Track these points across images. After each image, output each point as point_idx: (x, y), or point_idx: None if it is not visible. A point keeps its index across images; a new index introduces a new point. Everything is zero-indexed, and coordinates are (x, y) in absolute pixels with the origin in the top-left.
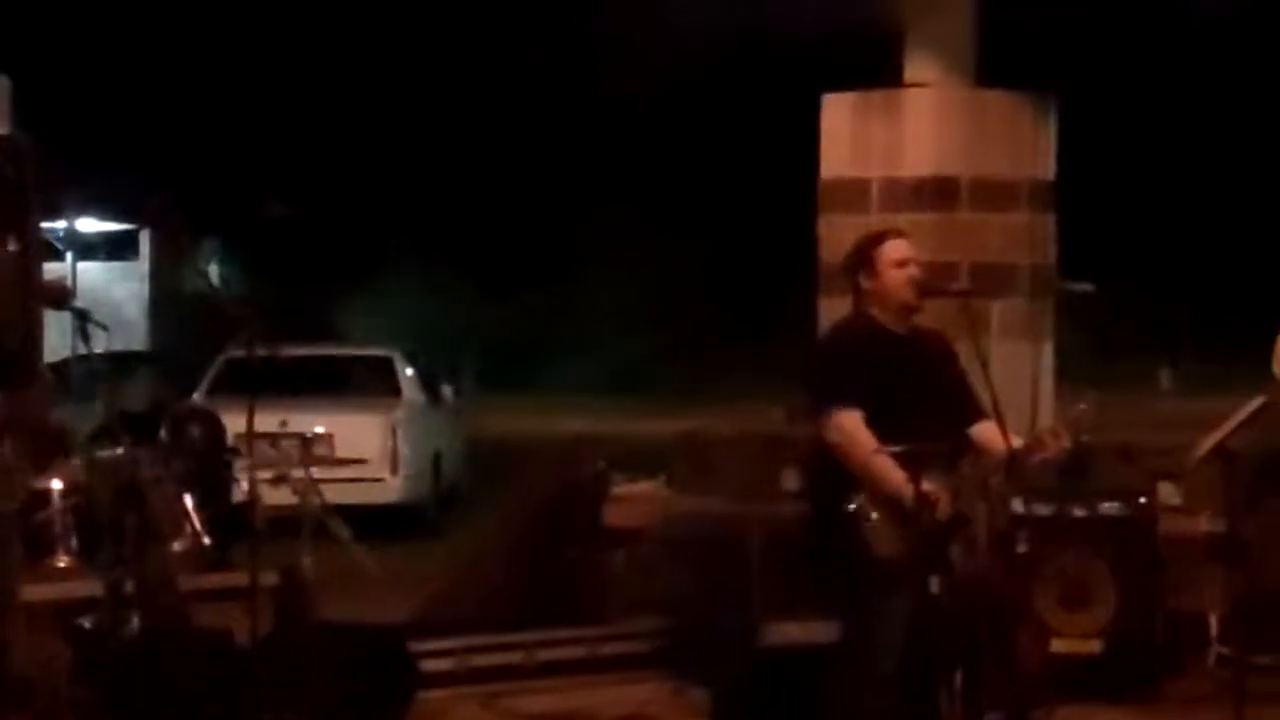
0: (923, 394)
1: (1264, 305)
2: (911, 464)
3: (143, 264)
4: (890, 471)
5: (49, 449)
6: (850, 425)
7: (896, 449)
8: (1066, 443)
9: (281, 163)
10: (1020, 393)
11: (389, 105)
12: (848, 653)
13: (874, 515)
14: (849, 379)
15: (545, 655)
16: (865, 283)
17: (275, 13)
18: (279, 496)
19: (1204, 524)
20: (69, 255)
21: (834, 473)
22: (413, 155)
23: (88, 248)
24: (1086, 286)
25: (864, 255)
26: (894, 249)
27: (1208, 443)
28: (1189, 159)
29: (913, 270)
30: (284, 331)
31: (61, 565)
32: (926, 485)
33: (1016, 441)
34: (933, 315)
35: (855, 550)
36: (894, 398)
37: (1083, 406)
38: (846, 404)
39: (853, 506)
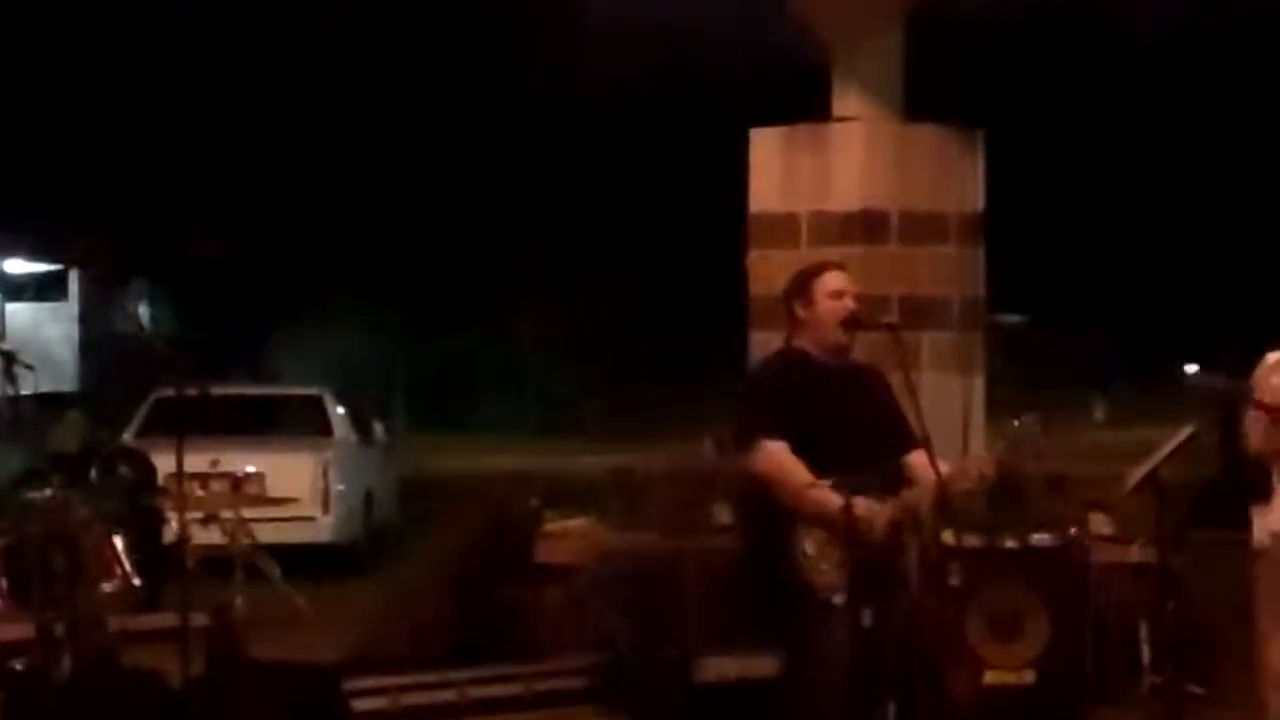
0: (855, 425)
1: (1193, 336)
2: (847, 494)
3: (72, 304)
4: (823, 499)
5: None
6: (778, 455)
7: (829, 481)
8: (990, 472)
9: (210, 202)
10: (951, 425)
11: (317, 145)
12: (784, 686)
13: (810, 549)
14: (774, 410)
15: (478, 693)
16: (801, 312)
17: (201, 54)
18: (210, 536)
19: (1135, 554)
20: None
21: (767, 505)
22: (341, 194)
23: (16, 289)
24: (1017, 319)
25: (801, 285)
26: (832, 280)
27: (1138, 473)
28: (1119, 191)
29: (848, 302)
30: (214, 371)
31: None
32: (862, 507)
33: (944, 469)
34: (863, 348)
35: (792, 583)
36: (825, 429)
37: (1022, 422)
38: (771, 435)
39: (785, 543)
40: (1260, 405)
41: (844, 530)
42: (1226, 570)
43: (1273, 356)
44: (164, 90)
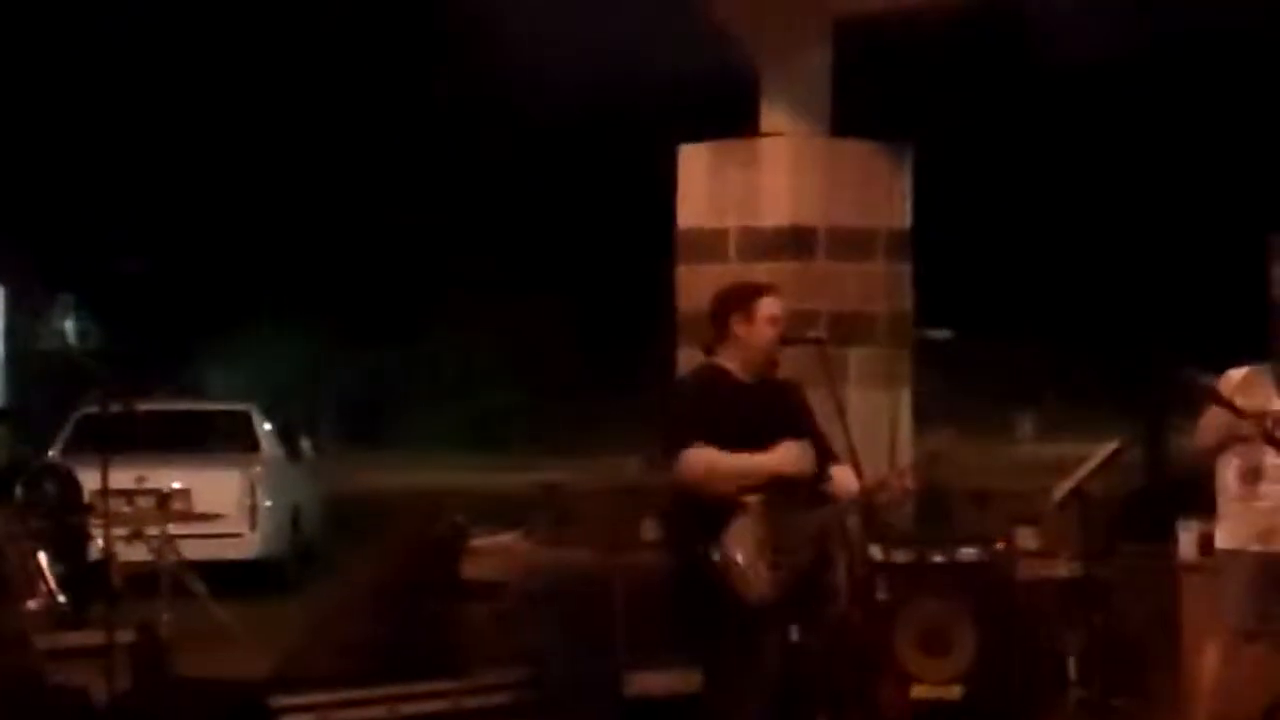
0: (775, 440)
1: (1121, 352)
2: (771, 509)
3: None
4: (758, 457)
5: None
6: (702, 456)
7: (754, 497)
8: (910, 483)
9: (136, 217)
10: (878, 440)
11: (242, 159)
12: (712, 700)
13: (740, 559)
14: (697, 421)
15: (407, 709)
16: (738, 327)
17: (123, 67)
18: (135, 553)
19: (1062, 568)
20: None
21: (695, 520)
22: (268, 208)
23: None
24: (945, 333)
25: (744, 301)
26: (772, 305)
27: (1064, 487)
28: (1048, 207)
29: (780, 329)
30: (140, 387)
31: None
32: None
33: (853, 486)
34: (790, 363)
35: (722, 597)
36: (745, 445)
37: (940, 436)
38: (694, 443)
39: (716, 557)
40: (1232, 407)
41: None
42: (1152, 584)
43: (1235, 375)
44: (87, 106)
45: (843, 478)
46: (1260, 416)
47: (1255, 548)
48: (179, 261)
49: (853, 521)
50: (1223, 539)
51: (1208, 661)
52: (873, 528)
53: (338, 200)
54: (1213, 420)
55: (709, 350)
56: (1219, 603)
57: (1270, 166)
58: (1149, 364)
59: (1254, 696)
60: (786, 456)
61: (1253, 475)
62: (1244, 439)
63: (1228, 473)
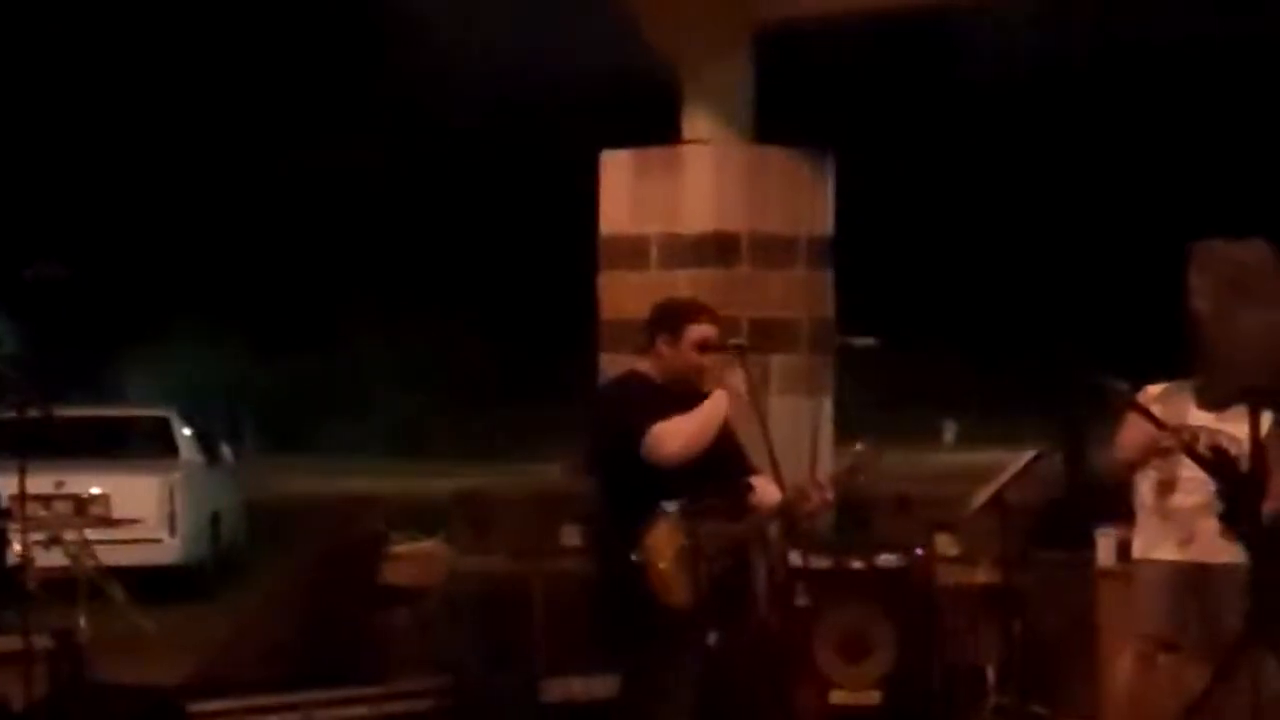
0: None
1: (1041, 360)
2: (693, 518)
3: None
4: (710, 404)
5: None
6: (667, 426)
7: (674, 505)
8: (830, 495)
9: (52, 222)
10: (800, 447)
11: (160, 166)
12: (631, 707)
13: (662, 564)
14: (646, 409)
15: (325, 715)
16: (664, 348)
17: (40, 75)
18: (53, 558)
19: (981, 575)
20: None
21: (616, 526)
22: (186, 215)
23: None
24: (869, 341)
25: (674, 322)
26: (703, 331)
27: (983, 494)
28: (972, 215)
29: (708, 359)
30: (58, 392)
31: None
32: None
33: (774, 497)
34: (711, 370)
35: (642, 604)
36: None
37: (861, 447)
38: (651, 420)
39: (635, 558)
40: (1152, 417)
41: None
42: (1070, 590)
43: (1153, 390)
44: (3, 110)
45: (763, 488)
46: (1179, 429)
47: (1170, 557)
48: (98, 267)
49: (773, 529)
50: (1139, 548)
51: (1123, 669)
52: (792, 535)
53: (258, 207)
54: (1131, 434)
55: (641, 352)
56: (1134, 611)
57: (1187, 176)
58: (1069, 373)
59: (1168, 704)
60: (720, 400)
61: (1166, 488)
62: (1164, 453)
63: (1144, 484)
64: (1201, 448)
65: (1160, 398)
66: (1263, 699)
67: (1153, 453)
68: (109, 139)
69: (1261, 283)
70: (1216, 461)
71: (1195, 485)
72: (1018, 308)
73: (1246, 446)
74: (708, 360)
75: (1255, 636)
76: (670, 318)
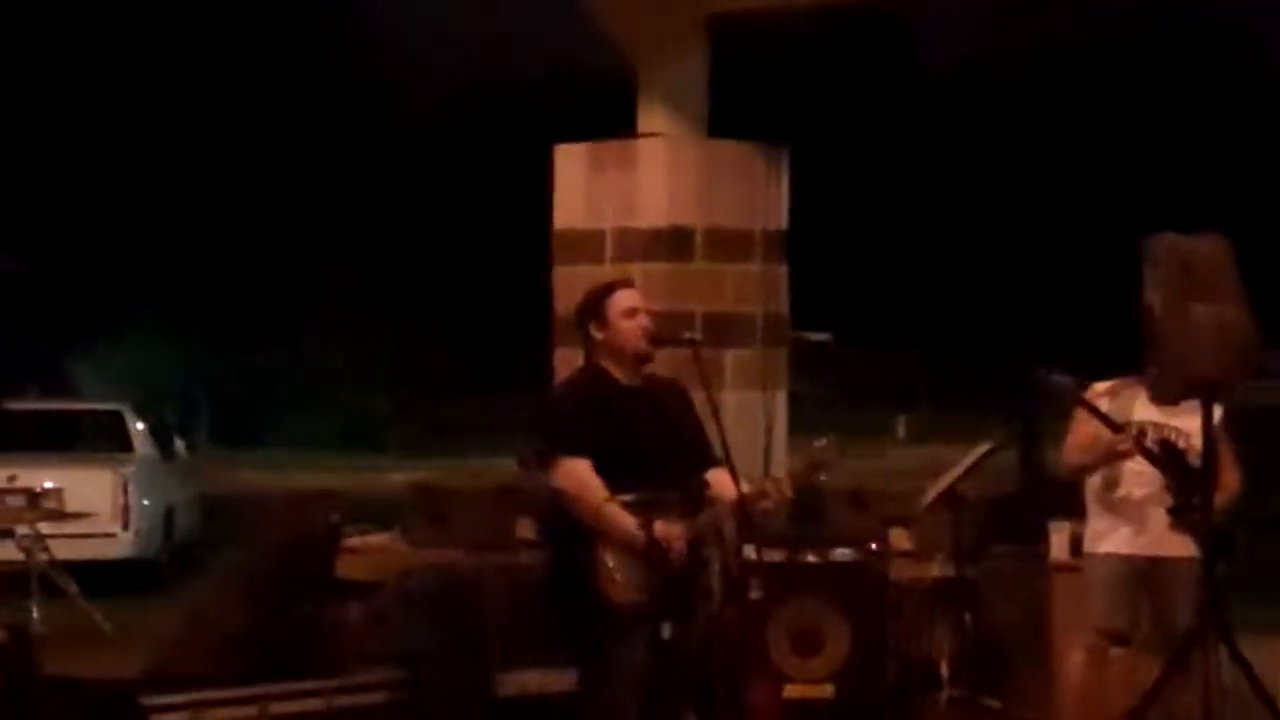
0: (657, 442)
1: (994, 354)
2: (646, 511)
3: None
4: (619, 518)
5: None
6: (578, 472)
7: (629, 497)
8: (789, 492)
9: (8, 216)
10: (753, 441)
11: (117, 160)
12: (584, 700)
13: (610, 562)
14: (576, 428)
15: (279, 708)
16: (596, 334)
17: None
18: (6, 552)
19: (934, 569)
20: None
21: (570, 520)
22: (143, 209)
23: None
24: (823, 336)
25: (594, 306)
26: (623, 299)
27: (936, 488)
28: (926, 212)
29: (643, 319)
30: (11, 386)
31: None
32: (660, 529)
33: (743, 488)
34: (666, 364)
35: (593, 597)
36: (627, 447)
37: (822, 443)
38: (573, 452)
39: (586, 557)
40: (1101, 415)
41: (641, 550)
42: (1024, 584)
43: (1100, 386)
44: None
45: (720, 481)
46: (1125, 427)
47: (1120, 550)
48: (52, 260)
49: (728, 525)
50: (1089, 542)
51: (1074, 663)
52: (747, 529)
53: (213, 202)
54: (1079, 435)
55: (588, 357)
56: (1086, 606)
57: (1140, 172)
58: (1020, 370)
59: (1120, 698)
60: (661, 530)
61: (1114, 482)
62: (1121, 454)
63: (1094, 477)
64: (1150, 443)
65: (1107, 394)
66: (1215, 691)
67: (1103, 455)
68: (65, 132)
69: (1214, 277)
70: (1165, 456)
71: (1144, 478)
72: (972, 303)
73: (1195, 441)
74: (639, 324)
75: (1208, 629)
76: (591, 303)
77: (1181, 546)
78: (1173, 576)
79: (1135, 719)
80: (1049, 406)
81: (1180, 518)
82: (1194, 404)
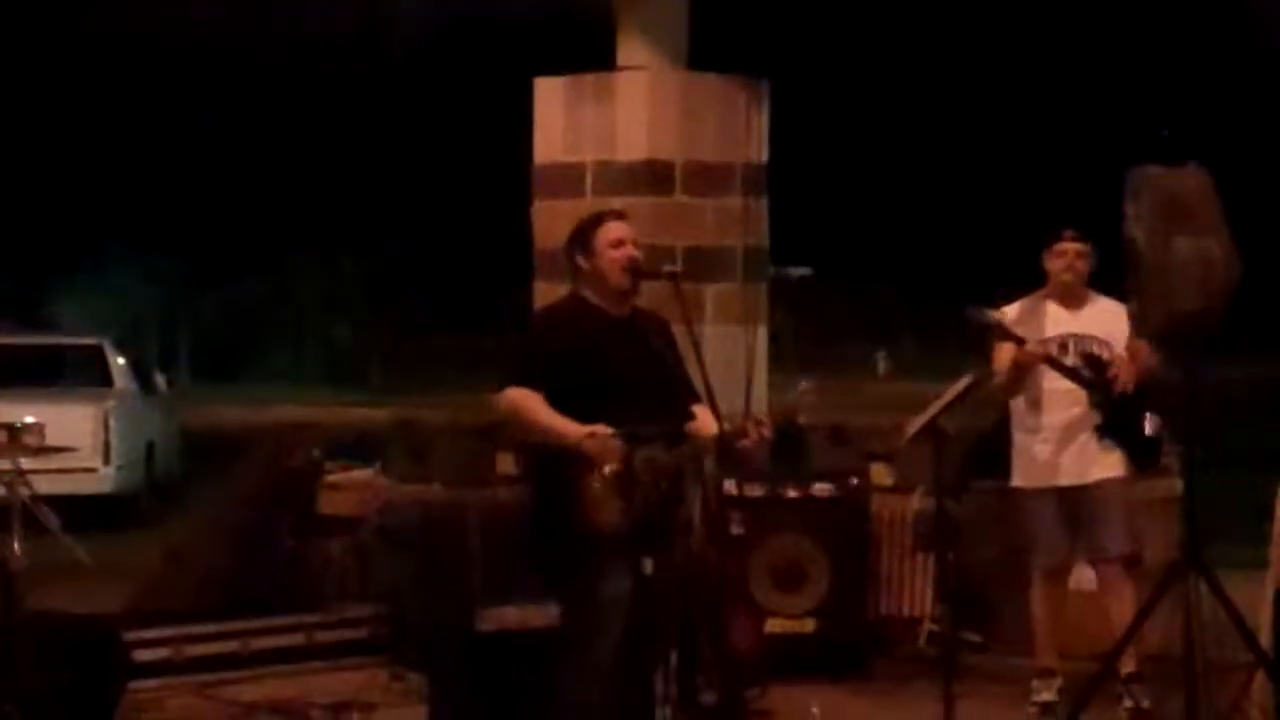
0: (639, 376)
1: (975, 291)
2: (627, 442)
3: None
4: (561, 422)
5: None
6: (517, 399)
7: (612, 431)
8: (769, 432)
9: None
10: (734, 376)
11: (97, 89)
12: (566, 635)
13: (595, 484)
14: (532, 358)
15: (260, 644)
16: (582, 263)
17: None
18: None
19: (915, 503)
20: None
21: (551, 452)
22: (120, 142)
23: None
24: (804, 271)
25: (582, 235)
26: (611, 230)
27: (917, 422)
28: (906, 147)
29: (629, 250)
30: None
31: None
32: (597, 429)
33: (724, 426)
34: (646, 298)
35: (577, 529)
36: (609, 380)
37: (803, 388)
38: (521, 382)
39: (570, 486)
40: (1015, 338)
41: (619, 477)
42: (1005, 519)
43: (1010, 309)
44: None
45: (703, 416)
46: (1045, 342)
47: (1049, 484)
48: (30, 193)
49: (708, 460)
50: (1017, 475)
51: (1036, 596)
52: (728, 464)
53: (193, 137)
54: (999, 357)
55: (573, 288)
56: (1027, 543)
57: (1121, 101)
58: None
59: (1093, 627)
60: (594, 441)
61: (1035, 405)
62: (1028, 361)
63: (1019, 403)
64: (1072, 357)
65: (1019, 315)
66: (1196, 625)
67: (1012, 370)
68: (41, 63)
69: (1197, 209)
70: (1089, 368)
71: (1067, 399)
72: (953, 237)
73: (1118, 349)
74: (625, 255)
75: (1188, 562)
76: (579, 234)
77: (1109, 467)
78: (1100, 498)
79: (1113, 659)
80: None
81: (1109, 435)
82: (1103, 306)
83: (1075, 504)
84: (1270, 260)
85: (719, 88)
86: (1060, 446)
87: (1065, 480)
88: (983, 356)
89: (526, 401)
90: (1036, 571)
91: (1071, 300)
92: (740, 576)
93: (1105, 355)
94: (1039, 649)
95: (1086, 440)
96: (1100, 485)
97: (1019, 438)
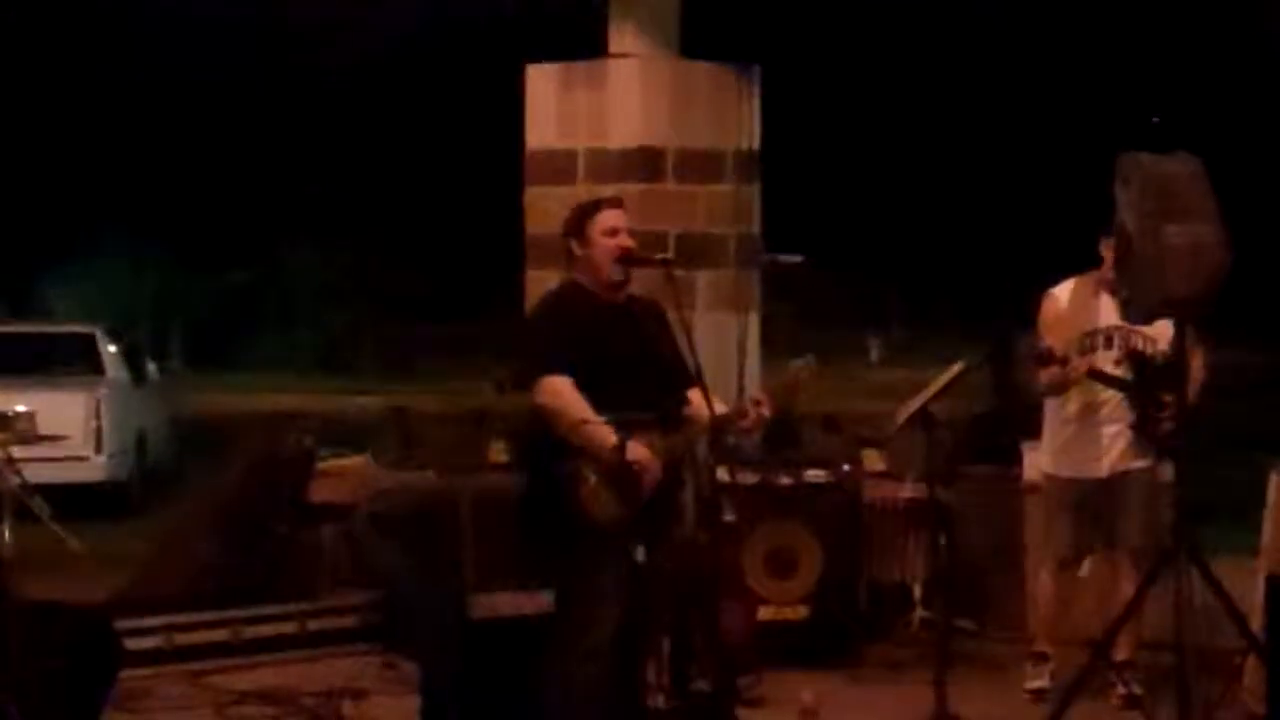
0: (635, 362)
1: (968, 278)
2: (623, 431)
3: None
4: (599, 433)
5: None
6: (559, 389)
7: (607, 417)
8: (769, 410)
9: None
10: (726, 363)
11: (84, 77)
12: (560, 622)
13: (591, 478)
14: (558, 344)
15: (252, 631)
16: (577, 251)
17: None
18: None
19: (908, 490)
20: None
21: (548, 441)
22: (113, 129)
23: None
24: (795, 258)
25: (577, 223)
26: (607, 218)
27: (909, 409)
28: (897, 130)
29: (623, 240)
30: None
31: None
32: (634, 448)
33: (720, 408)
34: (639, 285)
35: (570, 518)
36: (605, 366)
37: (800, 363)
38: (555, 369)
39: (566, 475)
40: (1061, 363)
41: (615, 470)
42: (997, 505)
43: (1059, 291)
44: None
45: (699, 402)
46: (1092, 334)
47: (1076, 475)
48: (21, 180)
49: (701, 445)
50: (1046, 463)
51: (1042, 584)
52: (720, 450)
53: (186, 124)
54: (1047, 375)
55: (568, 276)
56: (1048, 530)
57: (1114, 89)
58: (996, 287)
59: (1089, 618)
60: (635, 451)
61: (1066, 396)
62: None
63: (1054, 399)
64: (1116, 349)
65: (1071, 301)
66: (1188, 611)
67: (1059, 385)
68: (32, 47)
69: (1187, 196)
70: (1132, 367)
71: (1102, 393)
72: (945, 223)
73: (1162, 345)
74: (618, 244)
75: (1181, 549)
76: (575, 220)
77: (1134, 458)
78: (1123, 488)
79: (1107, 646)
80: (1022, 326)
81: (1143, 432)
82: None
83: (1100, 494)
84: (1260, 245)
85: (711, 75)
86: (1090, 436)
87: (1092, 470)
88: (1027, 373)
89: (567, 393)
90: (1050, 559)
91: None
92: (733, 563)
93: (1149, 350)
94: (1038, 635)
95: (1117, 431)
96: (1126, 475)
97: (1049, 424)
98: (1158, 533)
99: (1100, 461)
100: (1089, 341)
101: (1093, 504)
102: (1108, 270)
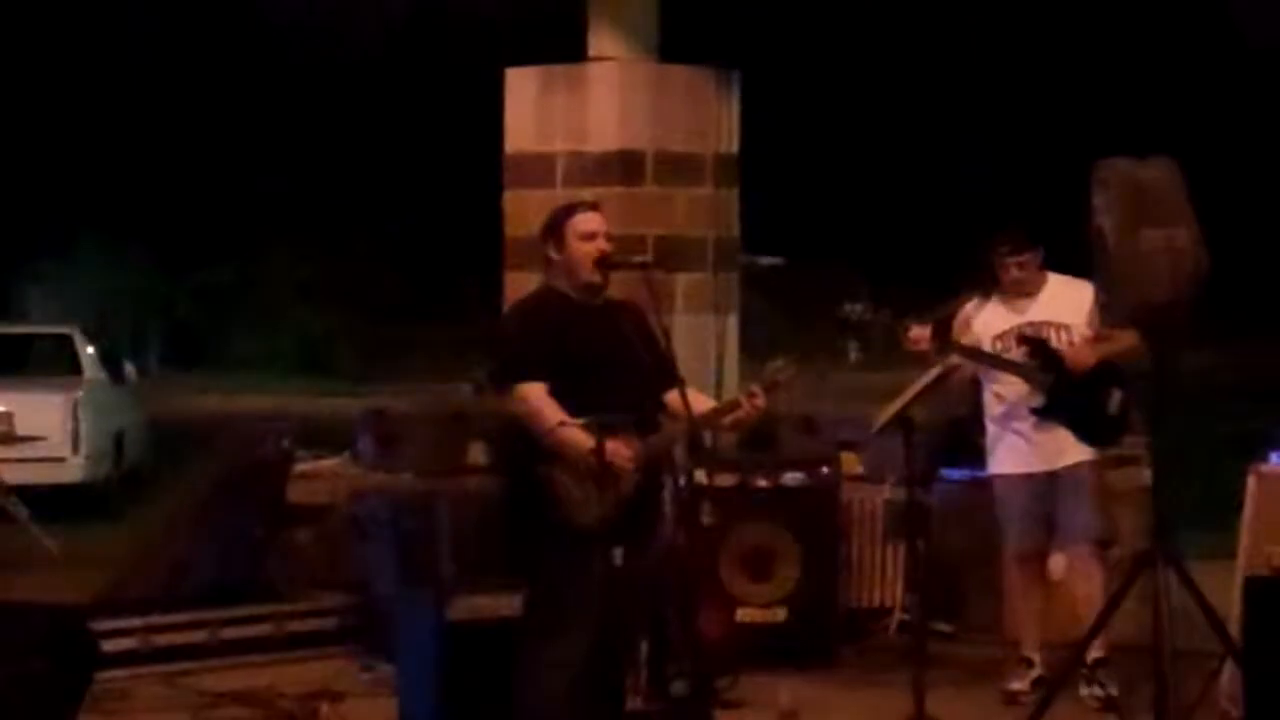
0: (613, 365)
1: (949, 280)
2: (601, 434)
3: None
4: (575, 439)
5: None
6: (533, 397)
7: (584, 420)
8: (762, 402)
9: None
10: (705, 365)
11: (66, 77)
12: (537, 625)
13: (569, 483)
14: (529, 352)
15: (230, 633)
16: (554, 254)
17: None
18: None
19: (886, 493)
20: None
21: (525, 443)
22: (91, 128)
23: None
24: (775, 260)
25: (554, 227)
26: (583, 221)
27: (888, 412)
28: (876, 132)
29: (600, 243)
30: None
31: None
32: (611, 450)
33: (705, 406)
34: (617, 288)
35: (549, 521)
36: (583, 370)
37: (778, 364)
38: (527, 377)
39: (544, 478)
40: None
41: (593, 472)
42: (975, 508)
43: (969, 307)
44: None
45: (678, 404)
46: (1004, 335)
47: (1019, 471)
48: None
49: (679, 448)
50: (990, 463)
51: (1010, 584)
52: (699, 452)
53: (163, 123)
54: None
55: (546, 279)
56: (1004, 528)
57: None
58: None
59: (1065, 618)
60: (613, 452)
61: (999, 396)
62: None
63: (987, 394)
64: (1015, 348)
65: (972, 316)
66: (1164, 614)
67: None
68: (11, 47)
69: (1164, 201)
70: (1033, 354)
71: (1026, 388)
72: (925, 227)
73: (1074, 334)
74: (596, 248)
75: (1158, 551)
76: (551, 224)
77: (1078, 452)
78: (1070, 483)
79: (1084, 649)
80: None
81: (1048, 417)
82: (1058, 290)
83: (1046, 490)
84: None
85: (690, 78)
86: (1028, 434)
87: (1035, 467)
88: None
89: (543, 400)
90: (1010, 558)
91: (1022, 295)
92: (711, 566)
93: (1055, 339)
94: (1020, 638)
95: (1055, 427)
96: (1069, 470)
97: (990, 427)
98: (1114, 525)
99: (1032, 457)
100: (1000, 345)
101: (1040, 500)
102: (1009, 284)
